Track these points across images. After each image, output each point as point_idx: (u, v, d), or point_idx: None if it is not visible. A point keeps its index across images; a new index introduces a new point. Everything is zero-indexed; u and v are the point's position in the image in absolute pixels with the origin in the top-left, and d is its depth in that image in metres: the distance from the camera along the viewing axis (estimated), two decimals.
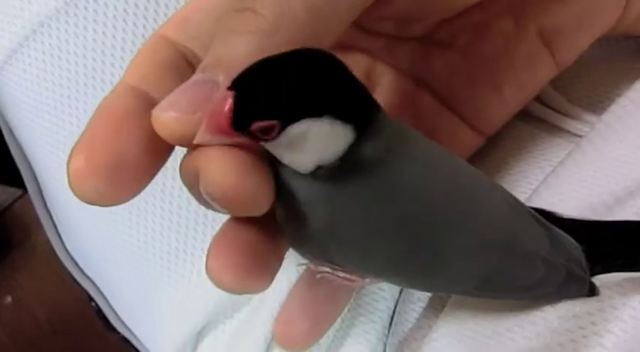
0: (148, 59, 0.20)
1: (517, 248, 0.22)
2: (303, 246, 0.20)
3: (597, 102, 0.31)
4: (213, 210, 0.20)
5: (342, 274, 0.21)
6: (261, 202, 0.18)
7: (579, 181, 0.27)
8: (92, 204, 0.18)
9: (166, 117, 0.18)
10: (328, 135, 0.17)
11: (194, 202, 0.34)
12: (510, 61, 0.27)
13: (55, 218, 0.40)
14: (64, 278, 0.75)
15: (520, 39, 0.27)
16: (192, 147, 0.19)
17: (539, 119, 0.32)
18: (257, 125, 0.17)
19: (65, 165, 0.32)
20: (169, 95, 0.18)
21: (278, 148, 0.18)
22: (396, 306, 0.30)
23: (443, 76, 0.28)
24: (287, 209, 0.19)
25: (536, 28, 0.27)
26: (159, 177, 0.20)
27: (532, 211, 0.23)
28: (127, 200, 0.19)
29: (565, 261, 0.22)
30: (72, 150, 0.18)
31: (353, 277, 0.21)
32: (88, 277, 0.40)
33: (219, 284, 0.20)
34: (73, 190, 0.18)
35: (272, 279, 0.20)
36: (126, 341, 0.40)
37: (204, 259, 0.33)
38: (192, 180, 0.19)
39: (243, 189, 0.17)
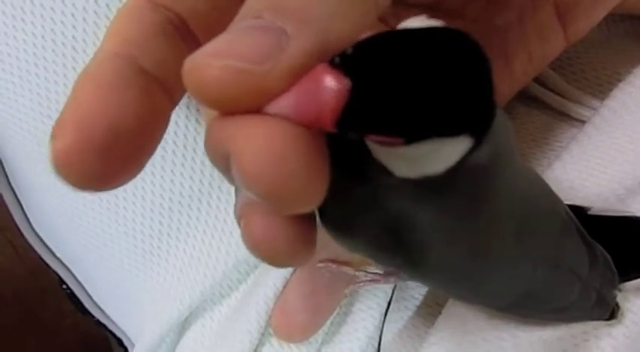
0: (130, 23, 0.17)
1: (561, 267, 0.21)
2: (356, 242, 0.18)
3: (597, 85, 0.31)
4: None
5: (369, 276, 0.20)
6: (312, 200, 0.14)
7: (587, 169, 0.27)
8: (83, 189, 0.15)
9: (221, 67, 0.13)
10: (451, 151, 0.14)
11: (176, 181, 0.33)
12: (522, 32, 0.26)
13: (20, 196, 0.37)
14: (17, 248, 0.72)
15: (535, 9, 0.26)
16: (231, 113, 0.14)
17: (538, 100, 0.31)
18: (373, 138, 0.13)
19: (30, 140, 0.28)
20: (216, 40, 0.14)
21: (383, 152, 0.15)
22: (393, 293, 0.30)
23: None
24: (352, 201, 0.16)
25: None
26: None
27: (578, 224, 0.22)
28: (124, 183, 0.16)
29: (599, 285, 0.22)
30: (54, 127, 0.15)
31: (376, 277, 0.20)
32: (59, 259, 0.37)
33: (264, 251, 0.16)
34: (59, 174, 0.15)
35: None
36: (100, 324, 0.38)
37: (190, 241, 0.33)
38: (222, 163, 0.15)
39: (289, 186, 0.13)
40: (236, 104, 0.14)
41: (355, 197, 0.16)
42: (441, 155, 0.14)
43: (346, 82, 0.13)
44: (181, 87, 0.17)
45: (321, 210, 0.17)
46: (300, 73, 0.14)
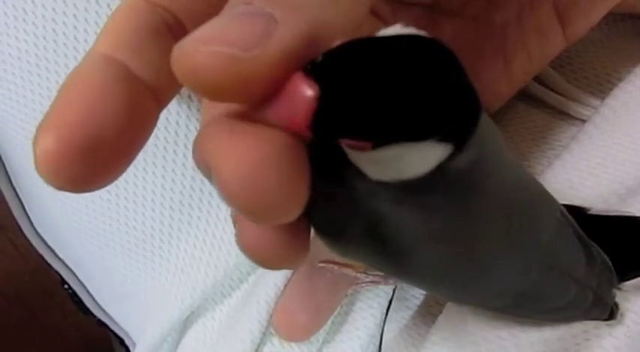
0: (123, 24, 0.17)
1: (556, 268, 0.21)
2: (346, 247, 0.18)
3: (597, 84, 0.31)
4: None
5: (369, 278, 0.20)
6: (291, 214, 0.14)
7: (588, 168, 0.27)
8: (64, 190, 0.15)
9: (209, 53, 0.13)
10: (424, 156, 0.14)
11: (177, 180, 0.33)
12: (521, 31, 0.26)
13: (21, 196, 0.38)
14: (19, 247, 0.73)
15: (534, 8, 0.26)
16: (222, 100, 0.14)
17: (537, 99, 0.31)
18: (345, 142, 0.14)
19: (32, 141, 0.29)
20: (205, 26, 0.14)
21: (356, 156, 0.15)
22: (394, 292, 0.30)
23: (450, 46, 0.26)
24: (336, 206, 0.17)
25: None
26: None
27: (575, 225, 0.22)
28: (104, 185, 0.16)
29: (596, 285, 0.22)
30: (38, 128, 0.15)
31: (377, 279, 0.20)
32: (61, 260, 0.37)
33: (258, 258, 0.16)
34: (41, 175, 0.15)
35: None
36: (102, 324, 0.38)
37: (191, 241, 0.33)
38: (206, 172, 0.15)
39: (266, 202, 0.14)
40: (225, 90, 0.14)
41: (339, 202, 0.17)
42: (411, 159, 0.14)
43: (315, 88, 0.13)
44: (171, 89, 0.17)
45: (310, 215, 0.17)
46: (289, 59, 0.14)
